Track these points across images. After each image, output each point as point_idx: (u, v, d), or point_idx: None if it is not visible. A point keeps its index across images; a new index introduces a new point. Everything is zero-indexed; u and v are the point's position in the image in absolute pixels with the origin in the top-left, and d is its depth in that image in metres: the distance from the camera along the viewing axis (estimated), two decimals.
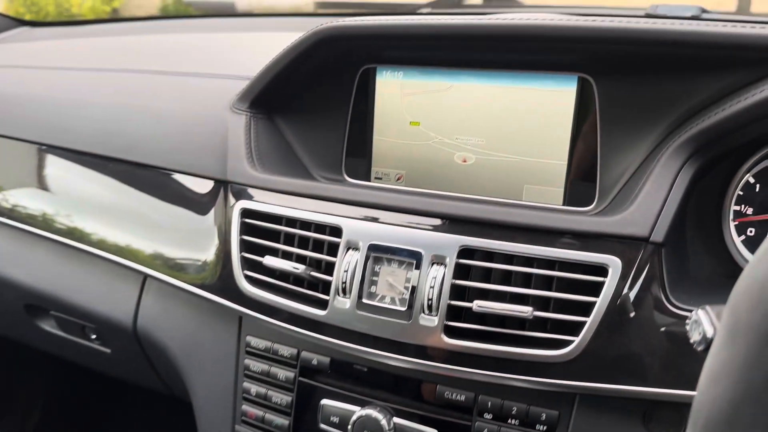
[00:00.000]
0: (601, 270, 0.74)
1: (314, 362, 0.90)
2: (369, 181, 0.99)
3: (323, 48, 0.90)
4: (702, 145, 0.75)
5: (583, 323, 0.74)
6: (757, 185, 0.87)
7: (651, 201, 0.74)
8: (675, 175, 0.75)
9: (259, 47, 1.27)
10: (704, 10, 1.23)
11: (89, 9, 4.71)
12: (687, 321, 0.68)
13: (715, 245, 0.85)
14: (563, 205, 0.89)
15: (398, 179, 0.98)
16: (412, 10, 1.76)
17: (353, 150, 0.99)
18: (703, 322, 0.64)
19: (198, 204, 1.00)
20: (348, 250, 0.84)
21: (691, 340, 0.67)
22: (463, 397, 0.82)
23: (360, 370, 0.88)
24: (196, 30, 1.65)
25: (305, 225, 0.88)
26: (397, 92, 0.95)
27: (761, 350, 0.36)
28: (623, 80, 0.83)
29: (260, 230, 0.92)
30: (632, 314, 0.73)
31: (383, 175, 0.99)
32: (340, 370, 0.89)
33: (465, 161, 0.93)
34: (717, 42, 0.71)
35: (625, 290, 0.73)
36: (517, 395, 0.80)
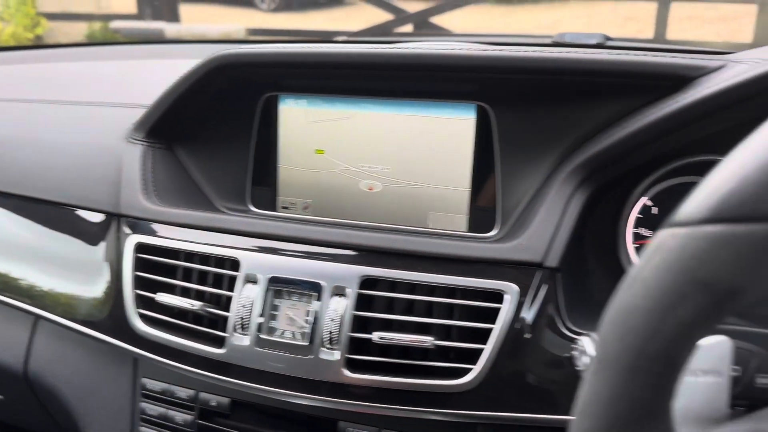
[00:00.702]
0: (499, 296, 0.74)
1: (213, 404, 0.85)
2: (275, 210, 0.96)
3: (220, 76, 0.88)
4: (592, 171, 0.77)
5: (482, 350, 0.73)
6: (655, 208, 0.89)
7: (544, 227, 0.75)
8: (567, 200, 0.76)
9: (171, 74, 1.23)
10: (608, 38, 1.27)
11: (10, 35, 4.52)
12: (574, 347, 0.68)
13: (615, 268, 0.86)
14: (468, 231, 0.89)
15: (305, 208, 0.96)
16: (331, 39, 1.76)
17: (258, 179, 0.97)
18: (587, 349, 0.64)
19: (91, 239, 0.94)
20: (247, 283, 0.81)
21: (578, 368, 0.67)
22: None
23: (262, 411, 0.84)
24: (111, 57, 1.59)
25: (204, 259, 0.85)
26: (301, 120, 0.94)
27: (627, 382, 0.35)
28: (519, 108, 0.84)
29: (157, 266, 0.87)
30: (528, 335, 0.73)
31: (290, 204, 0.96)
32: (241, 411, 0.85)
33: (371, 189, 0.92)
34: (600, 69, 0.73)
35: (522, 316, 0.73)
36: (421, 428, 0.78)
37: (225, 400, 0.85)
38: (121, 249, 0.88)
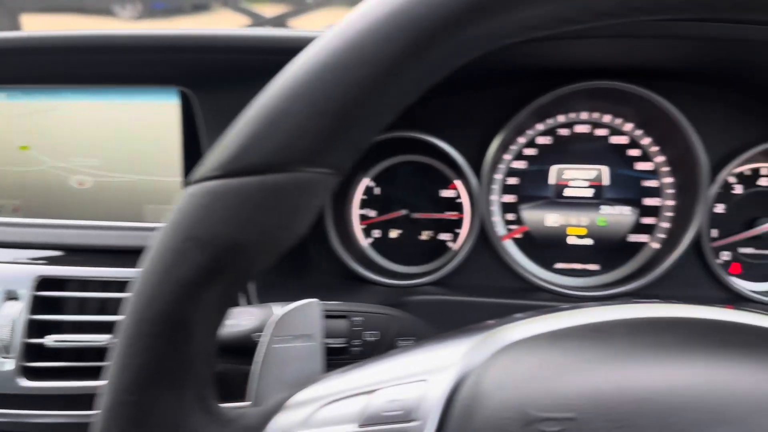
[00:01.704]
0: None
1: None
2: None
3: None
4: None
5: None
6: (378, 188, 0.90)
7: None
8: None
9: None
10: None
11: None
12: None
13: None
14: None
15: (15, 210, 0.88)
16: None
17: None
18: None
19: None
20: None
21: None
22: None
23: None
24: None
25: None
26: (1, 115, 0.86)
27: (129, 350, 0.32)
28: (219, 91, 0.81)
29: None
30: None
31: None
32: None
33: (82, 185, 0.86)
34: (259, 46, 0.72)
35: None
36: None
37: None
38: None
